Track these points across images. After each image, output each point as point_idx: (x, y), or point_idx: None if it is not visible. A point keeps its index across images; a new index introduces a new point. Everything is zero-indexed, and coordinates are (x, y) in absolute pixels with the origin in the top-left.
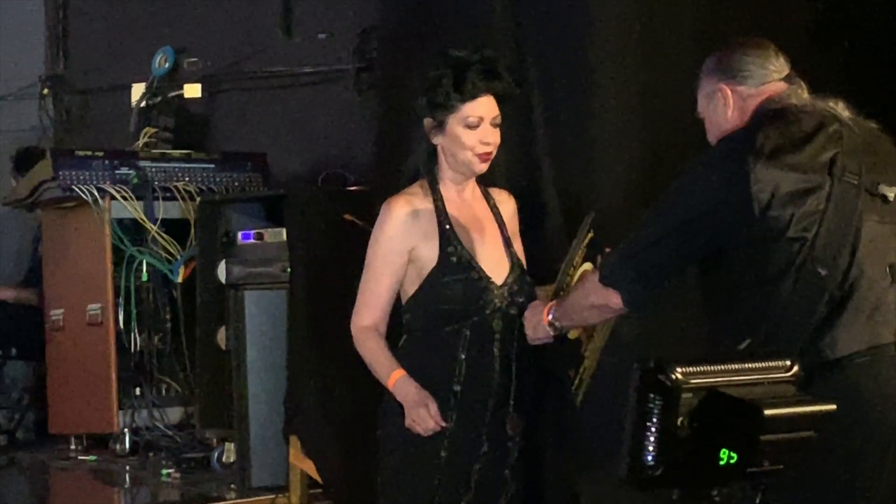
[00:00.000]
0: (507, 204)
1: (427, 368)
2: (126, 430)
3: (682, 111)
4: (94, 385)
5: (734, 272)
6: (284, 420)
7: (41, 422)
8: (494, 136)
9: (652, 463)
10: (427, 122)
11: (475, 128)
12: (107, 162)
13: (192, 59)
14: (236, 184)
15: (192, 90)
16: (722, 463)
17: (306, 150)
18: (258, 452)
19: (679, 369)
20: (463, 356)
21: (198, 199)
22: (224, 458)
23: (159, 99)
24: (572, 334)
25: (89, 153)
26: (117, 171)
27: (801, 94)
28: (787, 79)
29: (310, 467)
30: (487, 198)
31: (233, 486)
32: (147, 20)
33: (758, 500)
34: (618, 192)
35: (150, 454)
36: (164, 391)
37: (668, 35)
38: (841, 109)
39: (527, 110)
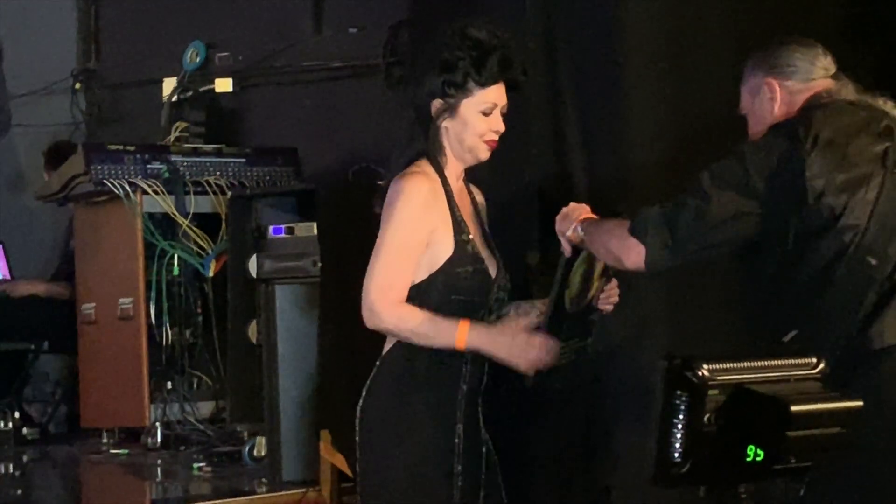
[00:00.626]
0: (482, 201)
1: (434, 367)
2: (157, 423)
3: (713, 105)
4: (126, 379)
5: (782, 262)
6: (315, 414)
7: (73, 415)
8: (502, 125)
9: (679, 460)
10: (437, 103)
11: (488, 115)
12: (138, 156)
13: (223, 54)
14: (267, 178)
15: (224, 84)
16: (749, 460)
17: (337, 145)
18: (289, 446)
19: (705, 366)
20: (469, 354)
21: (229, 193)
22: (255, 452)
23: (190, 93)
24: (570, 309)
25: (121, 148)
26: (149, 166)
27: (850, 91)
28: (834, 77)
29: (340, 461)
30: (468, 190)
31: (264, 479)
32: (178, 15)
33: (801, 493)
34: (647, 184)
35: (182, 448)
36: (195, 385)
37: (700, 29)
38: (890, 108)
39: (558, 103)
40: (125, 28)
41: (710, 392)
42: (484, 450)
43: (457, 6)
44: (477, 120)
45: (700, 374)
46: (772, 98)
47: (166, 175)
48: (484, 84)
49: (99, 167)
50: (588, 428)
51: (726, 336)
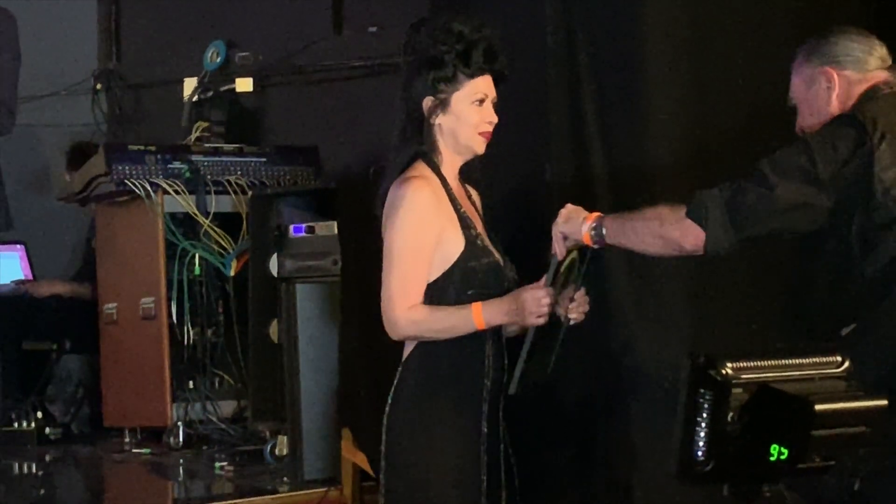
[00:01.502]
0: (477, 197)
1: (457, 365)
2: (179, 423)
3: (733, 99)
4: (148, 378)
5: (844, 255)
6: (336, 412)
7: (96, 415)
8: (495, 116)
9: (702, 458)
10: (427, 101)
11: (480, 105)
12: (159, 156)
13: (244, 54)
14: (288, 177)
15: (244, 84)
16: (772, 458)
17: (357, 144)
18: (310, 445)
19: (729, 364)
20: (489, 348)
21: (250, 192)
22: (277, 451)
23: (211, 93)
24: None
25: (142, 148)
26: (170, 166)
27: None
28: (890, 68)
29: (362, 460)
30: (464, 187)
31: (285, 478)
32: (198, 15)
33: (856, 488)
34: (668, 179)
35: (204, 447)
36: (216, 384)
37: (720, 23)
38: None
39: (577, 99)
40: (146, 28)
41: (734, 390)
42: (502, 447)
43: (475, 4)
44: (470, 111)
45: (724, 372)
46: (829, 87)
47: (187, 175)
48: (472, 75)
49: (120, 167)
50: (608, 426)
51: (748, 333)
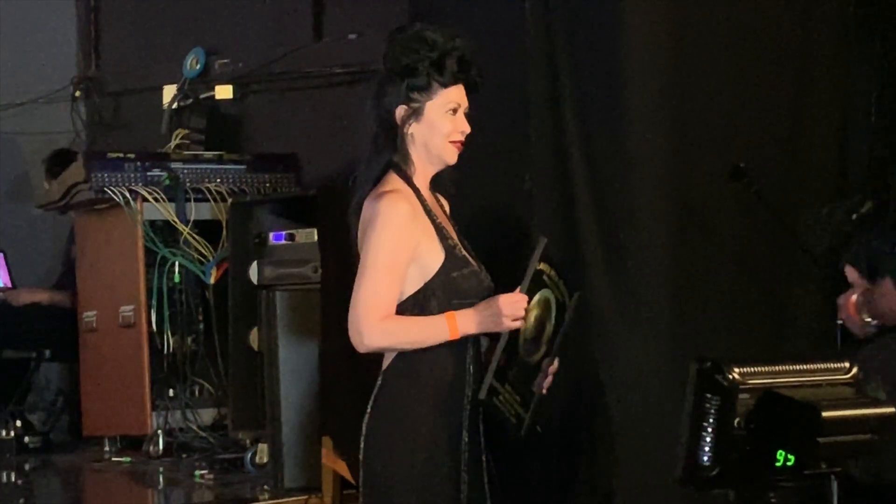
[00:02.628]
0: (447, 205)
1: (438, 374)
2: (159, 431)
3: (715, 108)
4: (128, 387)
5: None
6: (317, 420)
7: (75, 423)
8: (468, 126)
9: (708, 463)
10: (400, 110)
11: (454, 114)
12: (139, 164)
13: (224, 61)
14: (268, 185)
15: (224, 91)
16: (779, 464)
17: (337, 151)
18: (291, 453)
19: (736, 369)
20: (470, 355)
21: (229, 200)
22: (257, 459)
23: (191, 100)
24: (521, 352)
25: (121, 155)
26: (149, 173)
27: None
28: None
29: (342, 468)
30: (435, 197)
31: (266, 486)
32: (178, 22)
33: None
34: (649, 189)
35: (184, 455)
36: (196, 392)
37: (701, 32)
38: None
39: (558, 109)
40: (125, 36)
41: (741, 396)
42: (484, 457)
43: (455, 13)
44: (443, 120)
45: (731, 377)
46: None
47: (167, 182)
48: (446, 84)
49: (99, 175)
50: (590, 432)
51: (729, 342)
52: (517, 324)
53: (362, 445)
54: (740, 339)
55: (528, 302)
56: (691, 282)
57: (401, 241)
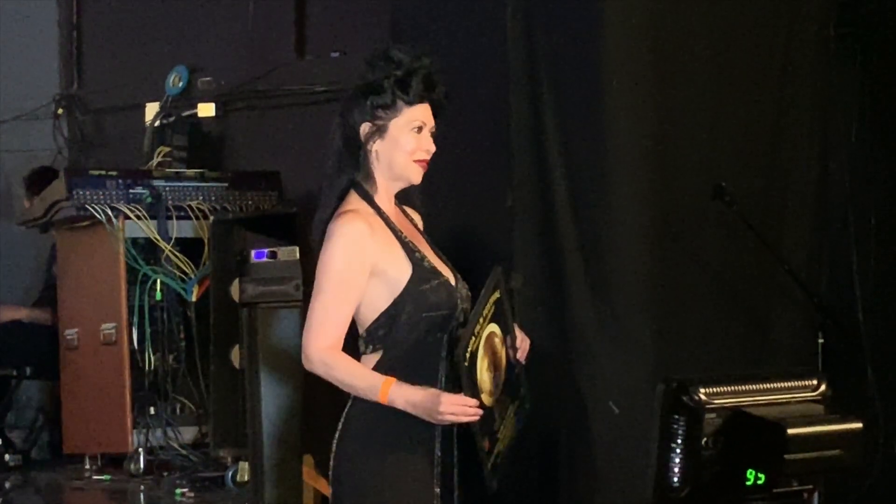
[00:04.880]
0: (418, 218)
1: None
2: (140, 449)
3: (696, 121)
4: (109, 405)
5: None
6: (298, 439)
7: (56, 441)
8: (433, 145)
9: (678, 484)
10: (365, 127)
11: (418, 133)
12: (121, 181)
13: (206, 79)
14: (250, 202)
15: (206, 109)
16: (749, 483)
17: (319, 169)
18: (272, 471)
19: (703, 389)
20: (442, 368)
21: (211, 217)
22: (238, 477)
23: (173, 118)
24: (486, 399)
25: (103, 172)
26: (131, 191)
27: None
28: None
29: (324, 486)
30: (403, 212)
31: None
32: (160, 40)
33: None
34: (629, 204)
35: (165, 473)
36: (178, 410)
37: (682, 60)
38: None
39: (539, 123)
40: (107, 53)
41: (707, 415)
42: (455, 471)
43: (437, 30)
44: (407, 138)
45: (696, 397)
46: None
47: (149, 200)
48: (411, 102)
49: (81, 192)
50: (570, 450)
51: (710, 359)
52: (452, 419)
53: (332, 463)
54: (721, 357)
55: (475, 387)
56: (673, 300)
57: (351, 261)
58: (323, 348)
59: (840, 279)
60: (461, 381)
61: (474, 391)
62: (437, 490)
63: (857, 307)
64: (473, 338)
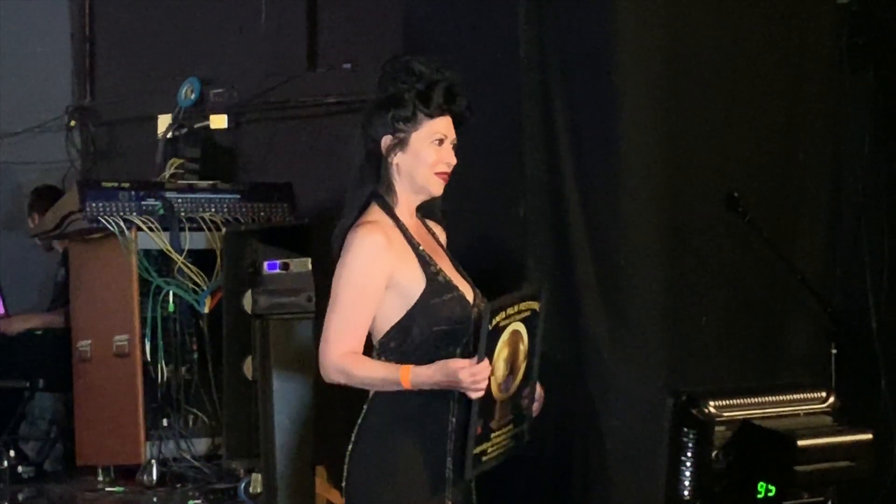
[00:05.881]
0: (441, 232)
1: (423, 405)
2: (153, 461)
3: (708, 124)
4: (122, 416)
5: None
6: (310, 450)
7: (69, 453)
8: (454, 158)
9: (689, 497)
10: (386, 139)
11: (439, 146)
12: (133, 193)
13: (218, 91)
14: (262, 214)
15: (218, 121)
16: (760, 496)
17: (332, 180)
18: (285, 483)
19: (712, 402)
20: (455, 391)
21: (224, 229)
22: (251, 489)
23: (185, 130)
24: (499, 396)
25: (116, 184)
26: (144, 202)
27: None
28: None
29: (336, 497)
30: (424, 225)
31: None
32: (173, 52)
33: None
34: (641, 216)
35: (178, 485)
36: (190, 422)
37: (695, 69)
38: None
39: (552, 134)
40: (120, 65)
41: (717, 428)
42: (473, 485)
43: (449, 41)
44: (428, 150)
45: (706, 410)
46: None
47: (161, 212)
48: (432, 115)
49: (94, 204)
50: (583, 461)
51: (723, 370)
52: (479, 393)
53: (345, 475)
54: (734, 367)
55: (491, 357)
56: (685, 309)
57: (369, 272)
58: (341, 353)
59: (853, 289)
60: (478, 343)
61: (490, 358)
62: (450, 502)
63: (870, 317)
64: (504, 312)
